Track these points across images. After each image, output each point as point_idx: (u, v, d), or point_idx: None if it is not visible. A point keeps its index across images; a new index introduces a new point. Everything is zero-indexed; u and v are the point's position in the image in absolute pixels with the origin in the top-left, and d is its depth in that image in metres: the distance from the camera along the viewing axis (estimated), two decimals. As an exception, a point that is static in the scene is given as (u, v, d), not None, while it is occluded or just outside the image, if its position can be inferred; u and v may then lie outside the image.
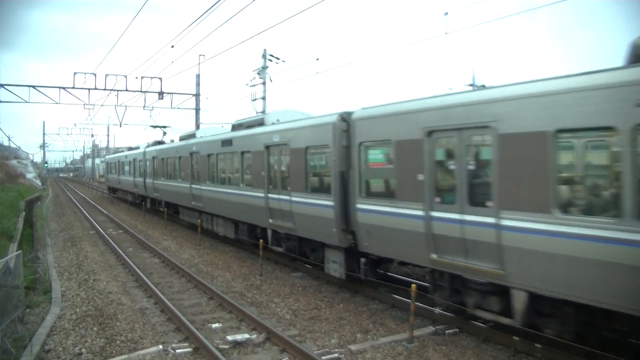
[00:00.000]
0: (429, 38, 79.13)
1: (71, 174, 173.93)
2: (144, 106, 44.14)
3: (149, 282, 15.83)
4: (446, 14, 20.84)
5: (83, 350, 10.72)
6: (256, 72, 38.31)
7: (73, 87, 38.88)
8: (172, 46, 26.14)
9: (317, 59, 30.69)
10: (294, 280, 16.82)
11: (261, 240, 17.92)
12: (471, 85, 41.45)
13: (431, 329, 11.65)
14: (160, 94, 42.49)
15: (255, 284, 16.28)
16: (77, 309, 13.60)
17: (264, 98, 38.10)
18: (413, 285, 11.06)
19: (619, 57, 8.80)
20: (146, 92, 42.29)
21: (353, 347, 10.60)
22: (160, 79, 41.53)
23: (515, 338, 10.38)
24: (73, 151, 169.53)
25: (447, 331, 11.48)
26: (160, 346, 10.74)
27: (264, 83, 38.04)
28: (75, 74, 38.55)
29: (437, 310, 12.17)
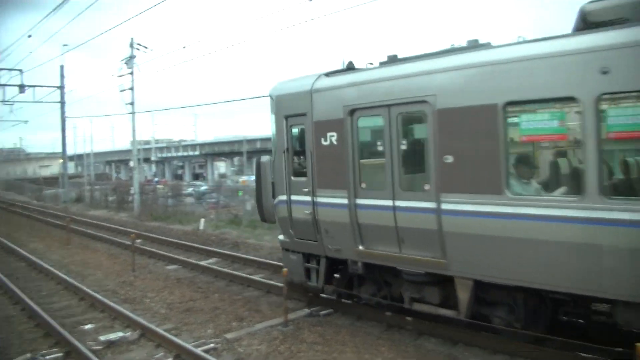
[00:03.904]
0: (295, 24, 79.43)
1: None
2: (3, 100, 41.77)
3: (14, 288, 15.09)
4: (310, 0, 21.24)
5: (-59, 367, 10.16)
6: (124, 61, 37.22)
7: None
8: (29, 36, 24.84)
9: (184, 47, 30.16)
10: (168, 273, 16.74)
11: (133, 235, 17.65)
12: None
13: (306, 311, 12.02)
14: (21, 87, 40.25)
15: (129, 280, 16.01)
16: None
17: (132, 88, 37.14)
18: (284, 270, 11.36)
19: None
20: (5, 85, 40.04)
21: (229, 336, 10.75)
22: (21, 70, 39.36)
23: (388, 313, 10.93)
24: None
25: (321, 312, 11.90)
26: (28, 354, 10.33)
27: (131, 73, 37.07)
28: None
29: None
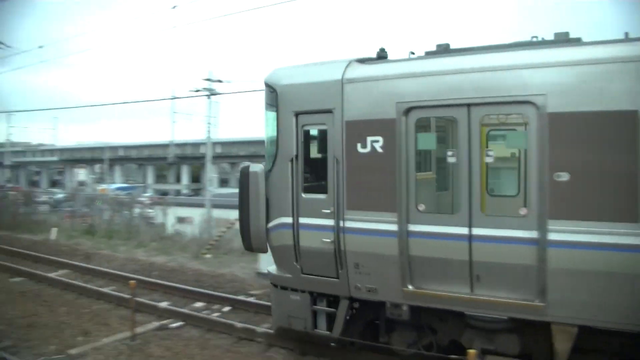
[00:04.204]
0: (159, 31, 78.27)
1: None
2: None
3: None
4: (174, 7, 20.90)
5: None
6: (-25, 60, 34.76)
7: None
8: None
9: (41, 47, 28.60)
10: (11, 286, 15.82)
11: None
12: (208, 79, 41.73)
13: (155, 324, 11.86)
14: None
15: (-36, 295, 14.93)
16: None
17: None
18: (132, 282, 11.12)
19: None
20: None
21: (73, 351, 10.41)
22: None
23: (238, 325, 11.00)
24: None
25: (171, 325, 11.80)
26: None
27: (-17, 70, 34.74)
28: None
29: (162, 305, 12.39)
